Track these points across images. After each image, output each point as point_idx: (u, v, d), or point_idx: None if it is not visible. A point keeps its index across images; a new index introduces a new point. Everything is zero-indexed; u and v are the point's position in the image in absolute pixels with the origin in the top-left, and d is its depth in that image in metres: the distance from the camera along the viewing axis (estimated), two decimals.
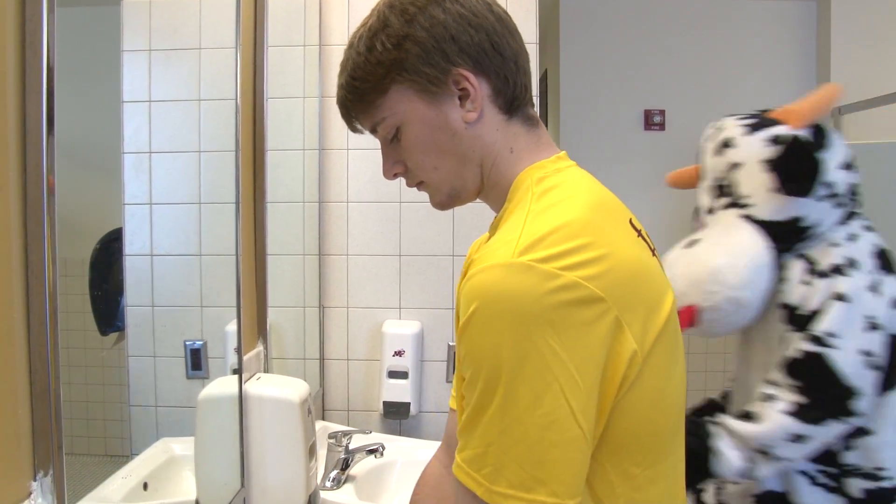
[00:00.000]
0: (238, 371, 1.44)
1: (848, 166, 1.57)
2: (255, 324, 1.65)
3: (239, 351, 1.45)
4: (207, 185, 1.45)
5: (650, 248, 0.84)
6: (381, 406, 2.12)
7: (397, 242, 2.15)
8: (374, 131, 0.91)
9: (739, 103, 4.16)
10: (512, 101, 0.87)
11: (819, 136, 1.57)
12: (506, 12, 0.90)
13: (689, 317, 1.68)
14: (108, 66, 1.17)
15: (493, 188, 0.90)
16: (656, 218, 4.14)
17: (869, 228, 1.56)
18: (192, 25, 1.41)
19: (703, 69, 4.14)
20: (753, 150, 1.62)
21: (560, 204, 0.78)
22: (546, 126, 3.52)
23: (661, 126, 4.11)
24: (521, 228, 0.74)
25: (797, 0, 4.10)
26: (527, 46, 2.09)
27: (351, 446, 1.74)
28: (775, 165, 1.55)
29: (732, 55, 4.15)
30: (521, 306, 0.68)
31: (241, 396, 1.43)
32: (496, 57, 0.85)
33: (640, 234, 0.83)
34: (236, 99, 1.47)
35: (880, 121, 3.80)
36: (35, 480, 0.80)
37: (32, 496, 0.79)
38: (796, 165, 1.52)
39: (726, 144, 1.71)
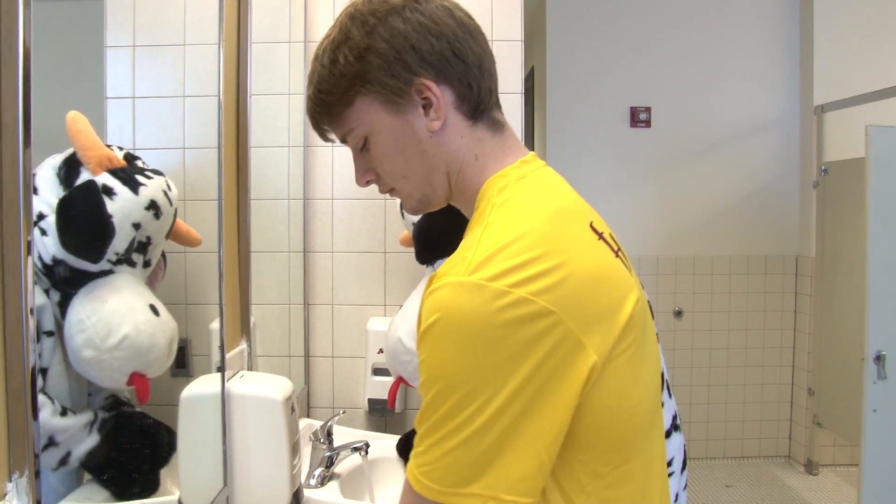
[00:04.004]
0: (221, 369, 1.43)
1: None
2: (239, 321, 1.65)
3: (221, 349, 1.45)
4: (191, 182, 1.44)
5: (613, 249, 0.84)
6: (365, 403, 2.12)
7: (382, 240, 2.15)
8: (344, 141, 0.93)
9: (724, 100, 4.21)
10: (477, 106, 0.88)
11: None
12: (468, 16, 0.90)
13: (395, 390, 1.83)
14: (91, 61, 1.16)
15: (460, 195, 0.91)
16: (642, 214, 4.16)
17: None
18: (176, 21, 1.40)
19: (688, 66, 4.17)
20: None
21: (516, 216, 0.79)
22: (533, 123, 3.53)
23: (647, 123, 4.13)
24: (477, 243, 0.76)
25: None
26: (513, 44, 2.10)
27: (336, 444, 1.73)
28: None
29: (718, 52, 4.18)
30: (470, 324, 0.70)
31: (223, 395, 1.42)
32: (458, 63, 0.86)
33: (601, 237, 0.83)
34: (219, 95, 1.47)
35: (861, 117, 3.82)
36: (10, 482, 0.79)
37: (7, 497, 0.79)
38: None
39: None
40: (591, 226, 0.83)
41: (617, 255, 0.84)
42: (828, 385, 3.90)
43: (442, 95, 0.86)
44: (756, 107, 4.20)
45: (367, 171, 0.93)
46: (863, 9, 4.01)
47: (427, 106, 0.86)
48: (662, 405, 1.41)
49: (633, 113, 4.11)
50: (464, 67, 0.86)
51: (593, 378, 0.74)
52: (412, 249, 1.87)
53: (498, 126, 0.91)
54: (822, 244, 3.97)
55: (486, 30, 2.10)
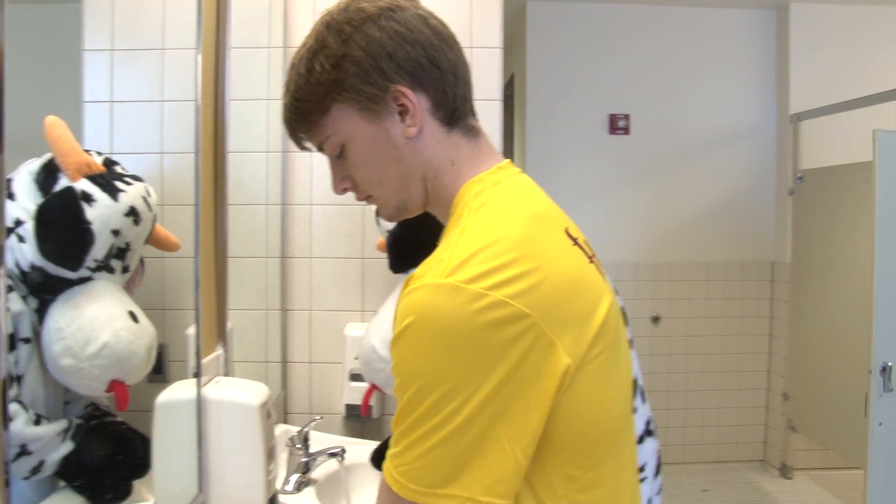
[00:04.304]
0: (196, 374, 1.43)
1: None
2: (215, 327, 1.64)
3: (197, 354, 1.44)
4: (169, 187, 1.44)
5: (587, 255, 0.85)
6: (343, 409, 2.12)
7: (360, 245, 2.15)
8: (321, 149, 0.93)
9: (702, 108, 4.25)
10: (452, 112, 0.89)
11: None
12: (443, 24, 0.91)
13: (368, 397, 1.84)
14: (68, 65, 1.16)
15: (437, 200, 0.92)
16: (621, 220, 4.19)
17: None
18: (154, 25, 1.40)
19: (667, 75, 4.21)
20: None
21: (492, 220, 0.80)
22: (513, 130, 3.54)
23: (626, 130, 4.16)
24: (454, 247, 0.77)
25: (758, 9, 4.18)
26: (492, 51, 2.10)
27: (312, 449, 1.73)
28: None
29: (696, 61, 4.23)
30: (447, 326, 0.71)
31: (198, 400, 1.42)
32: (434, 70, 0.87)
33: (576, 243, 0.84)
34: (196, 100, 1.46)
35: (836, 126, 3.89)
36: None
37: None
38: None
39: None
40: (567, 232, 0.85)
41: (591, 262, 0.85)
42: (802, 390, 3.94)
43: (418, 102, 0.87)
44: (733, 115, 4.25)
45: (343, 179, 0.94)
46: (836, 21, 4.08)
47: (403, 112, 0.87)
48: (635, 411, 1.42)
49: (612, 120, 4.14)
50: (439, 74, 0.88)
51: (567, 381, 0.75)
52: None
53: (473, 132, 0.92)
54: (797, 251, 4.02)
55: (464, 37, 2.10)
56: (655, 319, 4.21)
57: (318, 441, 1.84)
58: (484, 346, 0.71)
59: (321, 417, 1.89)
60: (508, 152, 4.94)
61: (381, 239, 1.97)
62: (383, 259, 2.09)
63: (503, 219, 0.80)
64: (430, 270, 0.75)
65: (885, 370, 2.50)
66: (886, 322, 2.51)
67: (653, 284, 4.22)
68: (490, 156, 0.93)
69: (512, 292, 0.72)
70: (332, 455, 1.73)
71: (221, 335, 1.66)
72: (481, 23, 2.10)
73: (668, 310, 4.24)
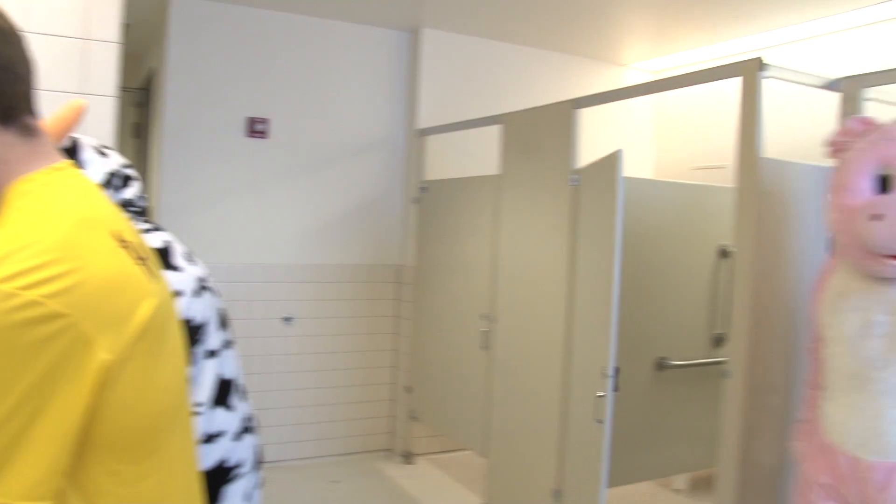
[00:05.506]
0: None
1: (109, 183, 1.45)
2: None
3: None
4: None
5: (138, 257, 0.87)
6: None
7: None
8: None
9: (339, 119, 4.48)
10: (6, 110, 0.84)
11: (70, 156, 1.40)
12: (3, 17, 0.85)
13: None
14: None
15: None
16: (257, 222, 4.24)
17: (157, 229, 1.47)
18: None
19: (308, 83, 4.37)
20: None
21: (34, 220, 0.78)
22: (149, 128, 3.35)
23: (264, 134, 4.22)
24: None
25: (394, 30, 4.54)
26: (108, 45, 1.98)
27: None
28: None
29: (336, 73, 4.44)
30: None
31: None
32: None
33: (125, 245, 0.86)
34: None
35: (456, 142, 4.38)
36: None
37: None
38: None
39: None
40: (118, 235, 0.85)
41: (142, 264, 0.87)
42: (422, 383, 4.35)
43: None
44: (368, 126, 4.54)
45: None
46: (460, 49, 4.61)
47: None
48: (234, 409, 1.46)
49: (251, 123, 4.18)
50: None
51: (109, 378, 0.76)
52: None
53: (29, 132, 0.87)
54: (420, 255, 4.42)
55: (78, 29, 1.98)
56: (287, 319, 4.32)
57: None
58: (15, 346, 0.69)
59: None
60: (139, 151, 4.71)
61: None
62: None
63: (46, 220, 0.78)
64: None
65: (613, 373, 2.65)
66: (616, 328, 2.70)
67: (287, 285, 4.33)
68: (46, 156, 0.89)
69: (48, 292, 0.71)
70: None
71: None
72: (97, 15, 1.95)
73: (302, 310, 4.38)
